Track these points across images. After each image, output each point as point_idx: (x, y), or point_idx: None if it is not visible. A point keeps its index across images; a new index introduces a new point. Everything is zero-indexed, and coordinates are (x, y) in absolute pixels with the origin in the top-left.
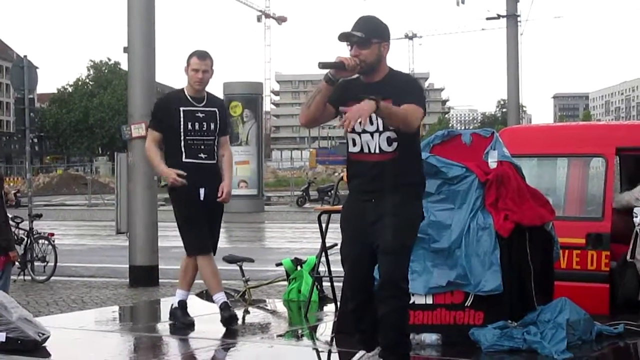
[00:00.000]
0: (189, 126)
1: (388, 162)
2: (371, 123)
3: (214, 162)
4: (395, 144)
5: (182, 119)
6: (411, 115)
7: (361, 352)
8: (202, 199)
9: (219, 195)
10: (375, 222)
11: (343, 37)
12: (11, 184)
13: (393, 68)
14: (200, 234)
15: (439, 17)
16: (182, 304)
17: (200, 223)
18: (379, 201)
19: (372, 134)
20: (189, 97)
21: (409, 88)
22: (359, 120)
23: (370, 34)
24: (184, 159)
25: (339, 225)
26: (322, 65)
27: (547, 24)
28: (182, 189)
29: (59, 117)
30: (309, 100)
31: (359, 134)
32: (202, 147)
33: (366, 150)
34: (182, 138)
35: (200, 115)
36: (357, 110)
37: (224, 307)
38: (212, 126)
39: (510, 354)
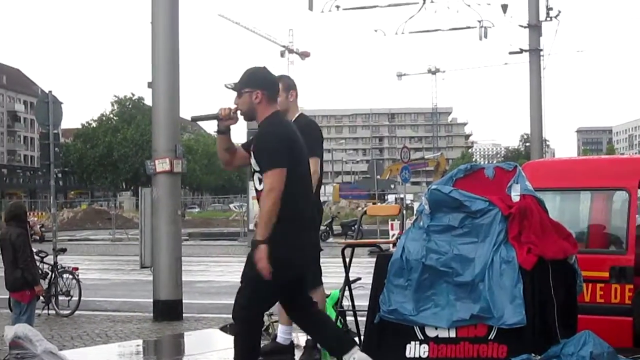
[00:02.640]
0: None
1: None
2: (255, 165)
3: None
4: (264, 184)
5: None
6: (264, 202)
7: None
8: None
9: None
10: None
11: (231, 88)
12: (35, 219)
13: (269, 118)
14: None
15: (461, 51)
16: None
17: None
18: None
19: (254, 174)
20: None
21: (258, 144)
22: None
23: (241, 84)
24: None
25: (363, 258)
26: (195, 119)
27: (570, 58)
28: None
29: (83, 152)
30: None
31: (253, 173)
32: None
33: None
34: None
35: None
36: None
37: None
38: None
39: None
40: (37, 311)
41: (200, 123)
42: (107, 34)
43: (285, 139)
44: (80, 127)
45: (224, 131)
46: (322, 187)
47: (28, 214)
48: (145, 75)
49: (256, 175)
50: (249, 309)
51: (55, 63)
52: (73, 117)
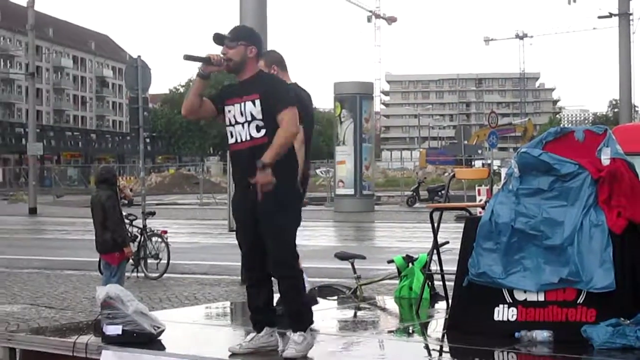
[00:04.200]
0: None
1: (259, 147)
2: (241, 115)
3: None
4: (263, 131)
5: None
6: (283, 132)
7: (252, 334)
8: None
9: None
10: (256, 207)
11: (215, 37)
12: (125, 183)
13: (263, 70)
14: None
15: (549, 16)
16: None
17: None
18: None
19: (242, 124)
20: None
21: (275, 90)
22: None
23: (237, 36)
24: None
25: (450, 224)
26: (186, 57)
27: None
28: None
29: (170, 117)
30: (188, 92)
31: (234, 125)
32: None
33: (239, 140)
34: None
35: None
36: (260, 182)
37: None
38: None
39: (623, 351)
40: (126, 274)
41: (191, 63)
42: None
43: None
44: (168, 92)
45: (207, 76)
46: (409, 152)
47: (118, 178)
48: None
49: (254, 124)
50: (295, 260)
51: (143, 29)
52: (161, 83)
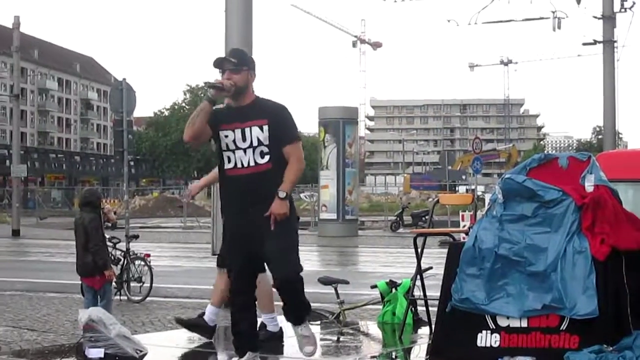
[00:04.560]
0: None
1: (261, 173)
2: (244, 140)
3: None
4: (267, 157)
5: None
6: (297, 165)
7: (235, 359)
8: None
9: None
10: (257, 230)
11: (217, 62)
12: (109, 206)
13: (259, 96)
14: None
15: (534, 42)
16: None
17: None
18: (258, 211)
19: (244, 149)
20: None
21: (285, 119)
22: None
23: (241, 62)
24: None
25: (434, 249)
26: (209, 85)
27: None
28: None
29: (155, 140)
30: (193, 118)
31: (233, 151)
32: None
33: (240, 165)
34: None
35: None
36: (278, 212)
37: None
38: None
39: None
40: None
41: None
42: (180, 22)
43: None
44: (152, 115)
45: (215, 103)
46: (393, 177)
47: (102, 200)
48: None
49: (259, 149)
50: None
51: (128, 52)
52: (145, 106)
